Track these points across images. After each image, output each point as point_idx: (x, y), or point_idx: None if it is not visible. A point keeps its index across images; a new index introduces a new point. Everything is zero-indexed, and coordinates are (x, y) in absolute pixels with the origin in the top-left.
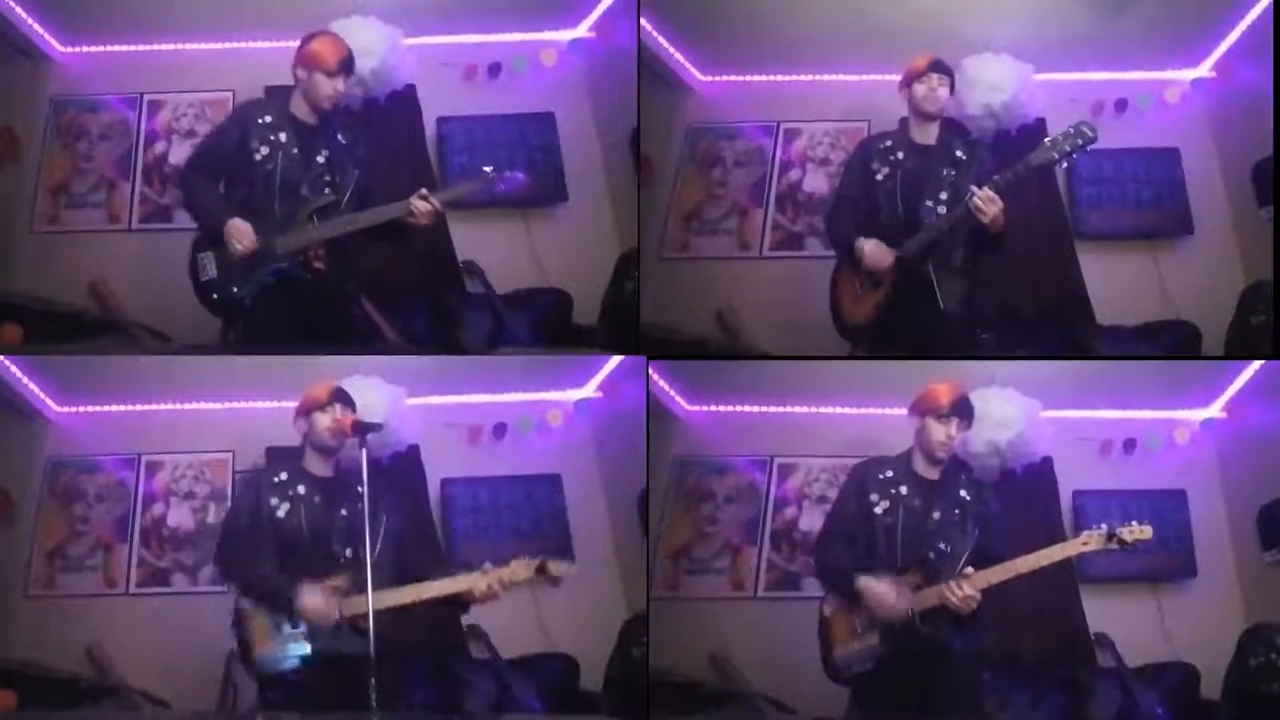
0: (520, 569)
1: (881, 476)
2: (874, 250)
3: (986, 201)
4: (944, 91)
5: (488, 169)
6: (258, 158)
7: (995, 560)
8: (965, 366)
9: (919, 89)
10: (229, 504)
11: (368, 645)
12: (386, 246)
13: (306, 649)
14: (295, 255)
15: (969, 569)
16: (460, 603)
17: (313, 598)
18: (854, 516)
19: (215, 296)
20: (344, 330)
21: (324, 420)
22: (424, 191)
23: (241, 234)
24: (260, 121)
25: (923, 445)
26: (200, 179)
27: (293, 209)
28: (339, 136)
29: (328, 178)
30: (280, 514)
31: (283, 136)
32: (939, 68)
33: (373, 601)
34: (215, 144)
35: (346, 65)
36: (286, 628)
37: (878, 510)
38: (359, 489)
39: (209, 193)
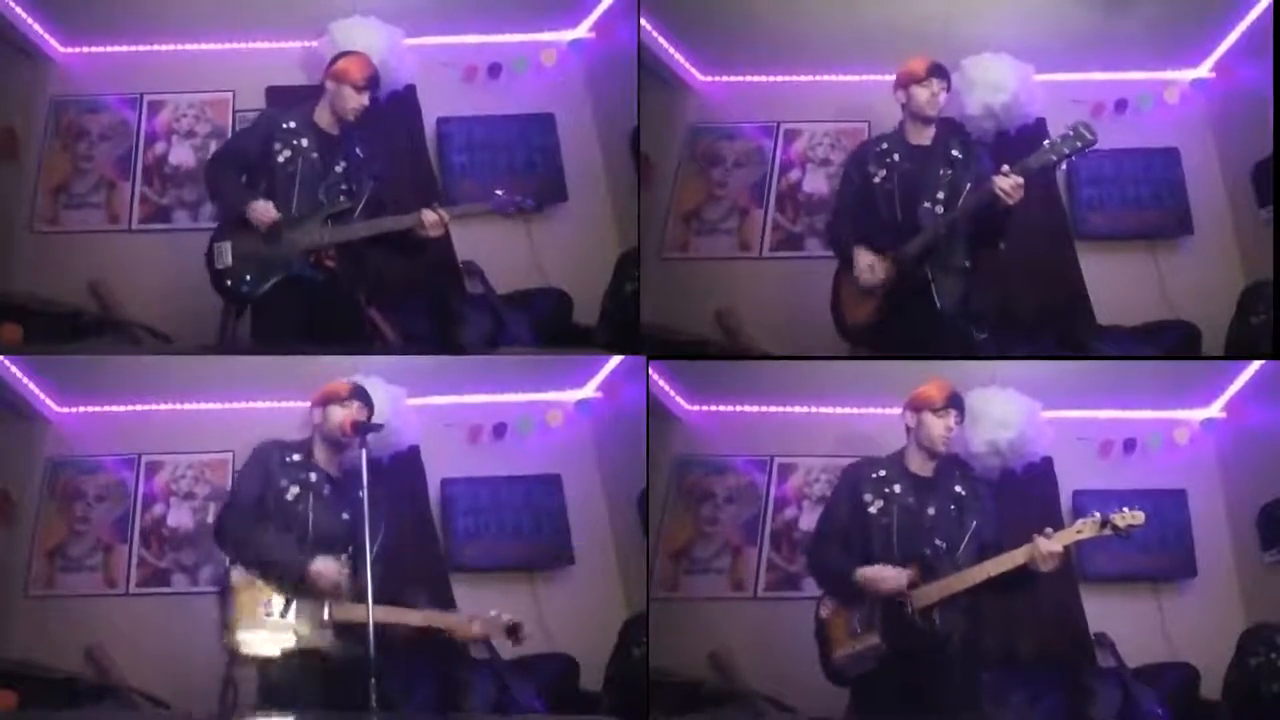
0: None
1: (874, 476)
2: (867, 262)
3: (1016, 189)
4: (945, 97)
5: (500, 192)
6: (280, 159)
7: (993, 552)
8: (964, 366)
9: (920, 93)
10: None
11: (353, 650)
12: (394, 253)
13: (291, 641)
14: (307, 254)
15: (1049, 529)
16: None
17: (326, 565)
18: (848, 517)
19: (228, 284)
20: (351, 331)
21: (339, 414)
22: (435, 204)
23: (263, 211)
24: (285, 126)
25: (922, 440)
26: (223, 170)
27: (309, 211)
28: (357, 150)
29: (344, 186)
30: (289, 496)
31: (304, 142)
32: (939, 72)
33: (360, 614)
34: (241, 142)
35: (372, 82)
36: (276, 614)
37: (872, 510)
38: (359, 494)
39: (231, 182)
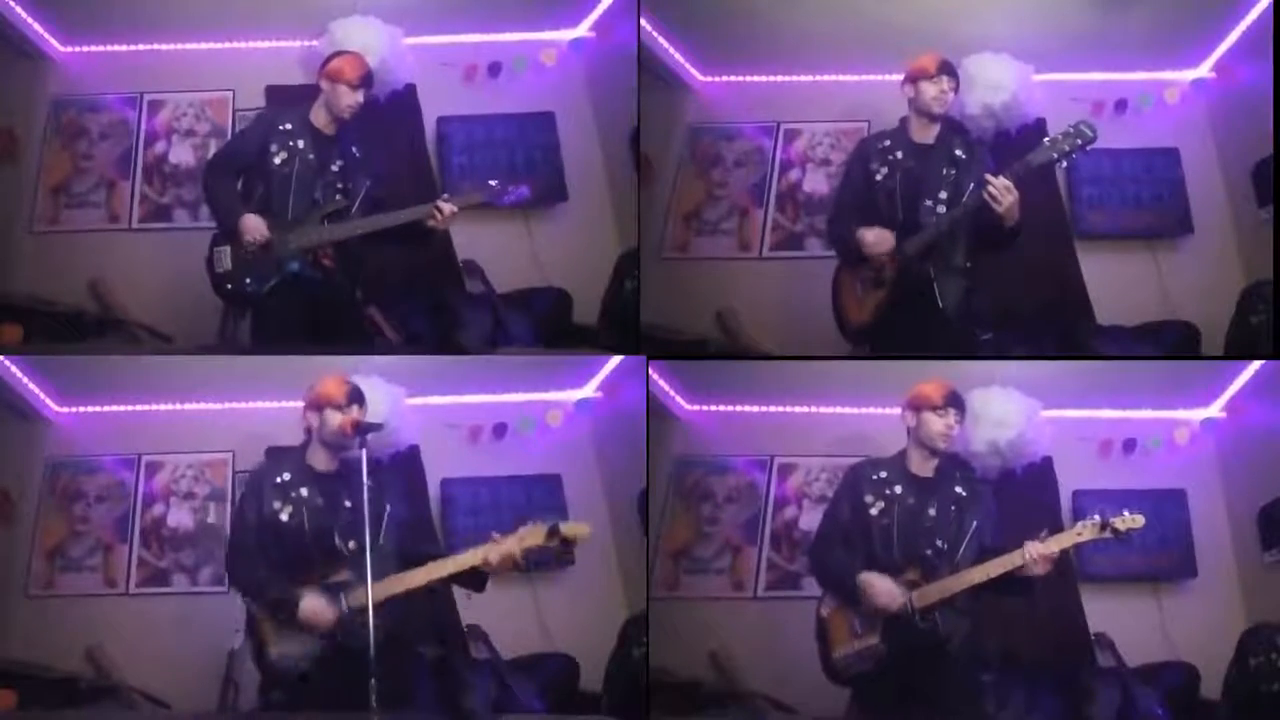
0: (530, 534)
1: (875, 477)
2: (875, 237)
3: (1003, 191)
4: (953, 95)
5: (494, 182)
6: (276, 161)
7: (993, 553)
8: (965, 366)
9: (929, 88)
10: (231, 507)
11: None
12: (395, 250)
13: (318, 647)
14: (306, 254)
15: (1044, 532)
16: (476, 578)
17: (313, 601)
18: (849, 518)
19: (229, 288)
20: (350, 330)
21: (336, 418)
22: (446, 195)
23: (254, 228)
24: (281, 128)
25: (922, 439)
26: (219, 177)
27: (305, 212)
28: (353, 149)
29: (340, 185)
30: (283, 517)
31: (300, 143)
32: (948, 69)
33: (386, 587)
34: (237, 145)
35: (367, 80)
36: (293, 631)
37: (873, 511)
38: (358, 484)
39: (227, 190)
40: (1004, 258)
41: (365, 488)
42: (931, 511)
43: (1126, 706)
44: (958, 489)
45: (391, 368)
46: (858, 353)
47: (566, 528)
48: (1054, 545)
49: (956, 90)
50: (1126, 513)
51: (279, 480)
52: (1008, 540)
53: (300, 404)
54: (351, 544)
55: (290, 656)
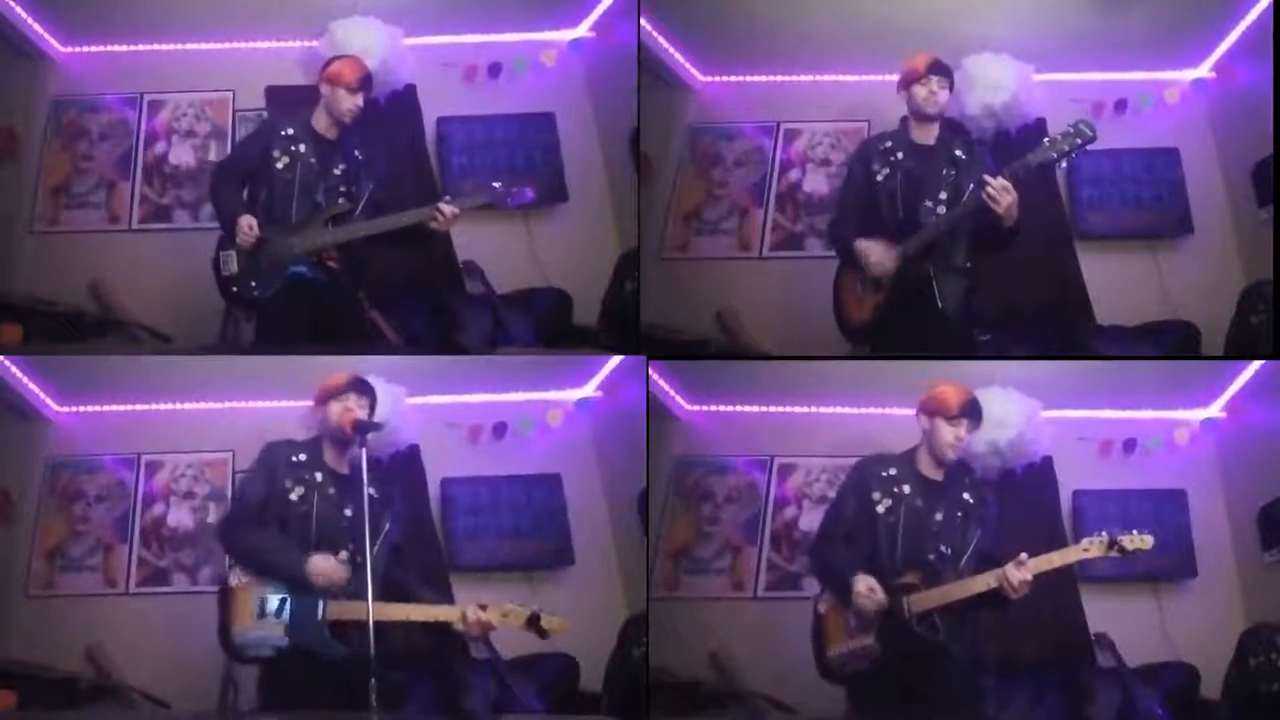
0: (513, 615)
1: (884, 474)
2: (878, 254)
3: (1001, 191)
4: (944, 94)
5: (497, 184)
6: (279, 166)
7: (995, 562)
8: (965, 366)
9: (919, 91)
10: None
11: (343, 651)
12: (397, 251)
13: (284, 641)
14: (310, 257)
15: (1024, 555)
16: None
17: (323, 562)
18: (854, 514)
19: (235, 290)
20: (353, 331)
21: (337, 410)
22: (448, 198)
23: (245, 230)
24: (283, 133)
25: (931, 445)
26: (224, 183)
27: (309, 215)
28: (355, 153)
29: (343, 189)
30: (293, 496)
31: (302, 148)
32: (938, 69)
33: (363, 610)
34: (240, 152)
35: (366, 83)
36: (270, 615)
37: (880, 509)
38: (364, 491)
39: (232, 197)
40: (1004, 258)
41: (366, 492)
42: (938, 516)
43: (1126, 706)
44: (965, 495)
45: (392, 368)
46: (857, 352)
47: (546, 620)
48: (1044, 564)
49: (951, 88)
50: (1135, 532)
51: (294, 460)
52: (1010, 550)
53: (299, 403)
54: (343, 554)
55: (251, 637)
